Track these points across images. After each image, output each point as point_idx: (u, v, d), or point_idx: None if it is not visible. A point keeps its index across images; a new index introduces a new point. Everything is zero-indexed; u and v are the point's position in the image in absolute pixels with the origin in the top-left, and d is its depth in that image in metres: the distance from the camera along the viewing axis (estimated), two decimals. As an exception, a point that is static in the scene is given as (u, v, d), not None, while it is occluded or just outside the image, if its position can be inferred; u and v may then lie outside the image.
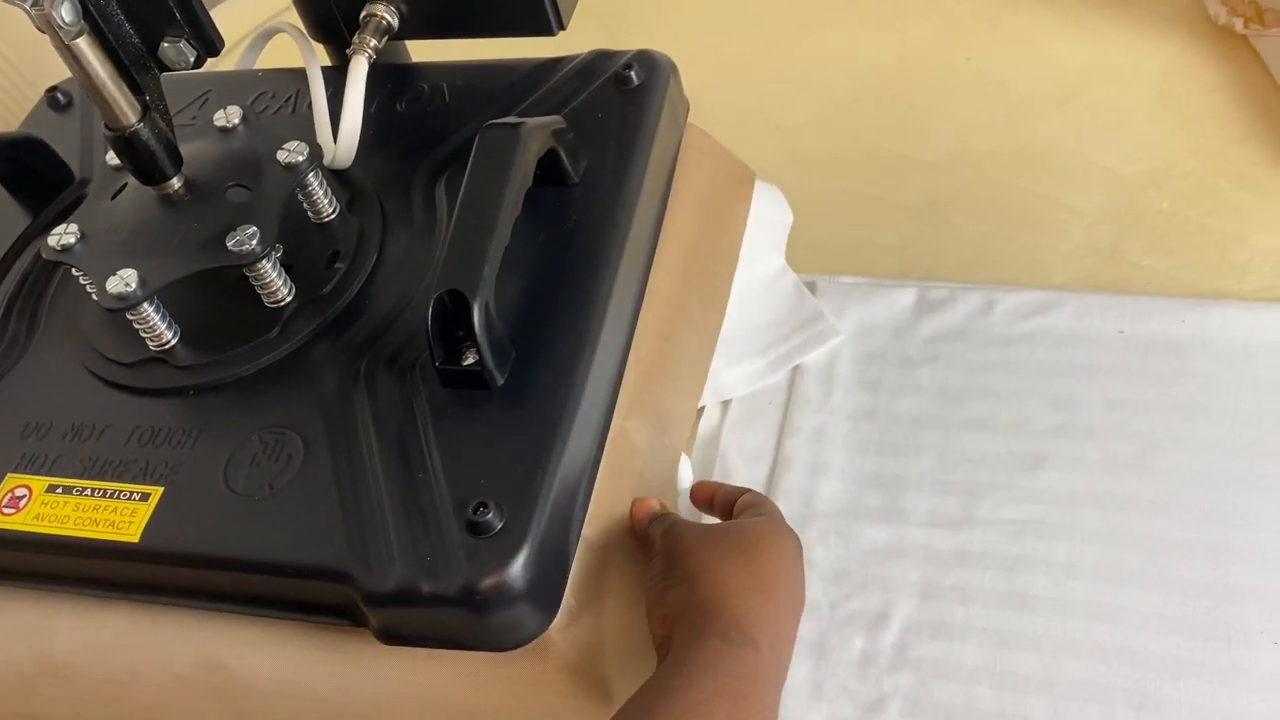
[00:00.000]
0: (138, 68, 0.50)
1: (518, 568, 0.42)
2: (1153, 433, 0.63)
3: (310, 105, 0.61)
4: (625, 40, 0.64)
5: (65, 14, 0.45)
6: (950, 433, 0.65)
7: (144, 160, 0.51)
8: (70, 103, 0.70)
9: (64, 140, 0.66)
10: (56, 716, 0.52)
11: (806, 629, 0.59)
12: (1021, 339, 0.68)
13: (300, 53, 0.63)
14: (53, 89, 0.71)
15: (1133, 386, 0.65)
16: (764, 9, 0.94)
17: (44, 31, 0.46)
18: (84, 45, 0.47)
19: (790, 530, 0.51)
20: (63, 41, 0.46)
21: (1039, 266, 0.73)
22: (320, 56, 0.63)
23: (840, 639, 0.59)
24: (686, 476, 0.61)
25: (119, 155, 0.51)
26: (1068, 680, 0.55)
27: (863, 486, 0.64)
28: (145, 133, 0.50)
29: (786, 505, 0.64)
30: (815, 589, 0.61)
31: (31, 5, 0.44)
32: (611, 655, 0.47)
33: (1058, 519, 0.61)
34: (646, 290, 0.56)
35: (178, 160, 0.52)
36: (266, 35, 0.67)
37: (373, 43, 0.57)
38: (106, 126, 0.50)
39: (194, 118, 0.65)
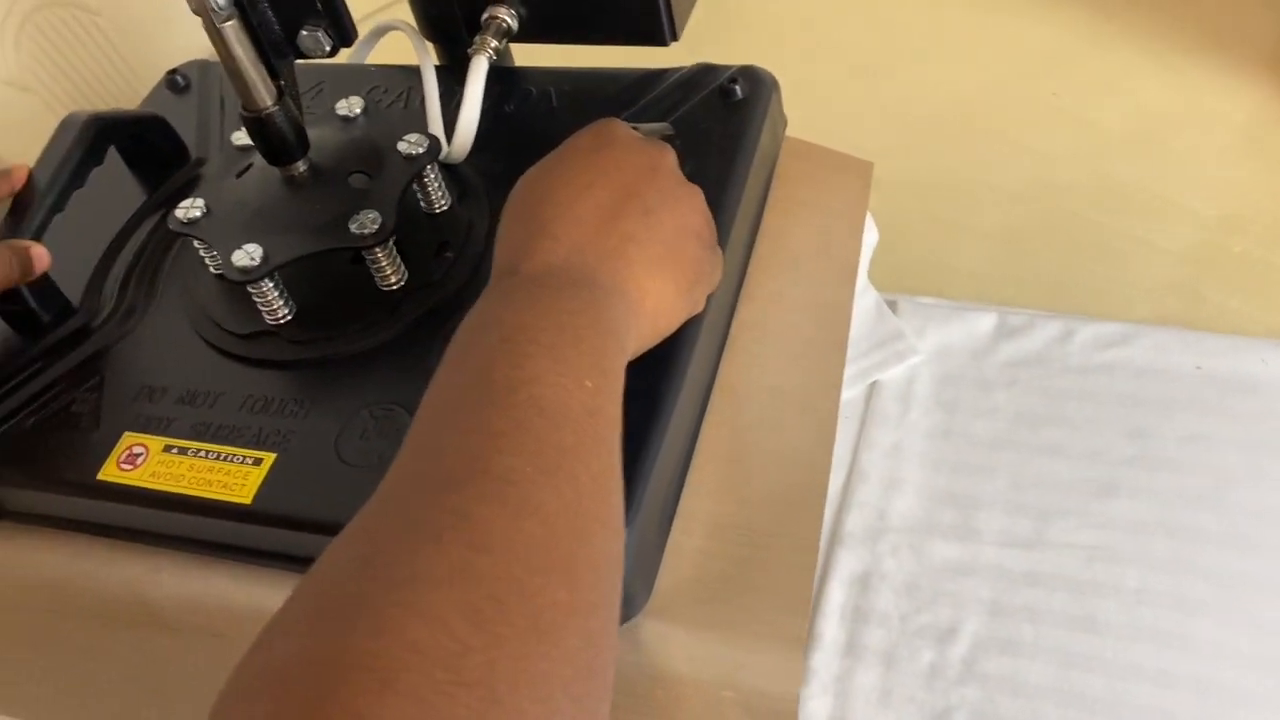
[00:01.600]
0: (276, 53, 0.52)
1: (619, 551, 0.44)
2: (1227, 468, 0.64)
3: (421, 102, 0.64)
4: (713, 59, 0.66)
5: (221, 6, 0.47)
6: (1025, 456, 0.66)
7: (275, 142, 0.53)
8: (188, 85, 0.73)
9: (181, 121, 0.69)
10: (168, 665, 0.54)
11: (876, 638, 0.60)
12: (1099, 369, 0.69)
13: (414, 50, 0.66)
14: (173, 71, 0.74)
15: (1208, 422, 0.66)
16: (850, 36, 0.96)
17: (198, 14, 0.48)
18: (232, 29, 0.49)
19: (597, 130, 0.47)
20: (214, 24, 0.48)
21: (1117, 301, 0.74)
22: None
23: (909, 650, 0.60)
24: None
25: (252, 136, 0.53)
26: (1134, 704, 0.56)
27: (936, 503, 0.65)
28: (279, 116, 0.52)
29: (860, 517, 0.65)
30: (886, 600, 0.62)
31: None
32: (695, 646, 0.48)
33: (1129, 546, 0.62)
34: (743, 288, 0.58)
35: (305, 144, 0.54)
36: (380, 31, 0.69)
37: (493, 44, 0.59)
38: (243, 108, 0.52)
39: (308, 106, 0.68)
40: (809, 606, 0.49)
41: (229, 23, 0.49)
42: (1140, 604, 0.59)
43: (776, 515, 0.52)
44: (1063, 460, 0.65)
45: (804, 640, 0.48)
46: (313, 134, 0.56)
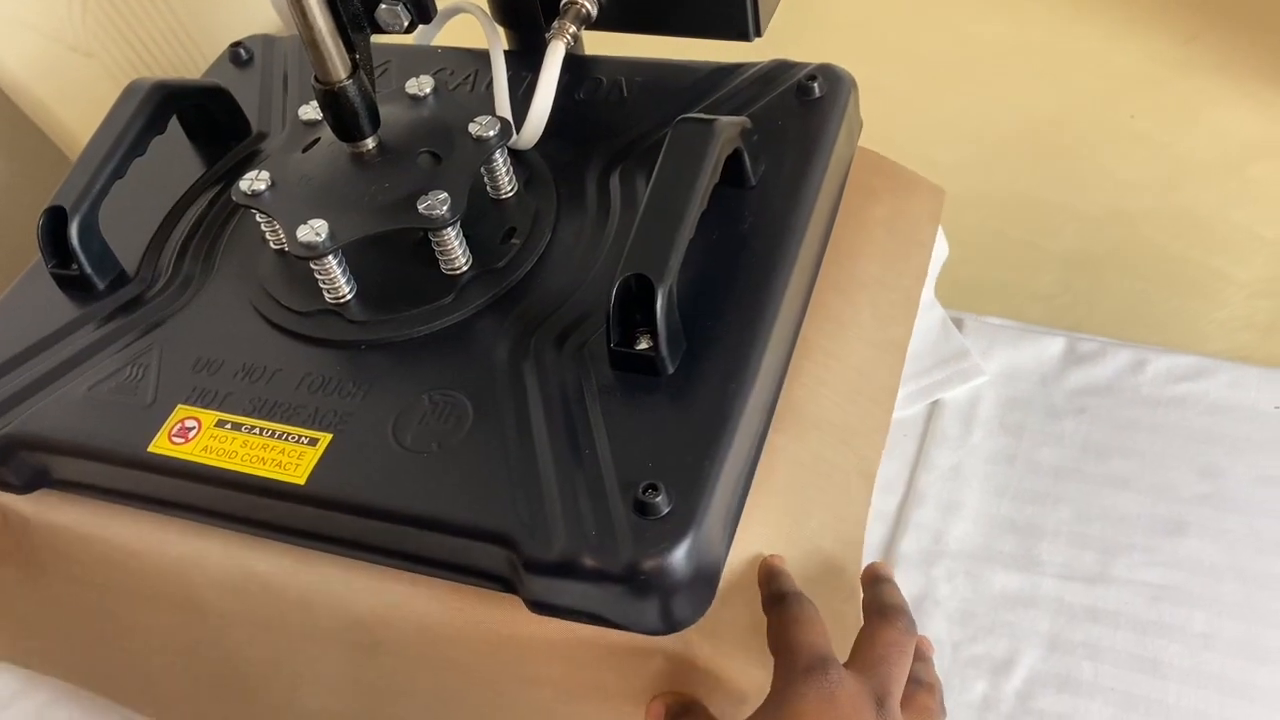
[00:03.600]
0: (354, 26, 0.51)
1: (682, 553, 0.42)
2: (1304, 513, 0.61)
3: (489, 86, 0.63)
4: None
5: None
6: (1091, 487, 0.64)
7: (347, 116, 0.52)
8: (251, 59, 0.72)
9: (244, 94, 0.68)
10: (209, 648, 0.53)
11: (927, 665, 0.58)
12: (1171, 402, 0.67)
13: (484, 34, 0.65)
14: (236, 44, 0.73)
15: (1285, 464, 0.64)
16: (926, 48, 0.94)
17: (280, -21, 0.47)
18: (313, -1, 0.48)
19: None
20: None
21: (1191, 332, 0.72)
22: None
23: (961, 680, 0.58)
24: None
25: (324, 109, 0.52)
26: (1198, 753, 0.54)
27: (996, 530, 0.63)
28: (352, 89, 0.51)
29: (916, 540, 0.63)
30: (939, 627, 0.60)
31: None
32: (750, 672, 0.47)
33: (1197, 588, 0.59)
34: (810, 306, 0.57)
35: (376, 120, 0.53)
36: (449, 13, 0.68)
37: (572, 29, 0.58)
38: (316, 80, 0.51)
39: (377, 85, 0.67)
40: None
41: (311, -9, 0.48)
42: (1207, 649, 0.57)
43: (819, 561, 0.50)
44: (1130, 494, 0.63)
45: None
46: (382, 111, 0.55)
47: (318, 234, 0.50)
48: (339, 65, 0.50)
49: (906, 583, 0.61)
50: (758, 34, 0.58)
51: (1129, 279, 0.75)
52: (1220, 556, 0.60)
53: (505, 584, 0.46)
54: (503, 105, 0.61)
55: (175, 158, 0.66)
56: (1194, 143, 0.82)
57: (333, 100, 0.51)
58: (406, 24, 0.52)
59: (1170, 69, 0.86)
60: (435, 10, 0.53)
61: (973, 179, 0.83)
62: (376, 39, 0.54)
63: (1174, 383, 0.67)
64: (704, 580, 0.45)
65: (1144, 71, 0.87)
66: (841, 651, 0.45)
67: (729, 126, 0.52)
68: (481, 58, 0.66)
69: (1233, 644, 0.57)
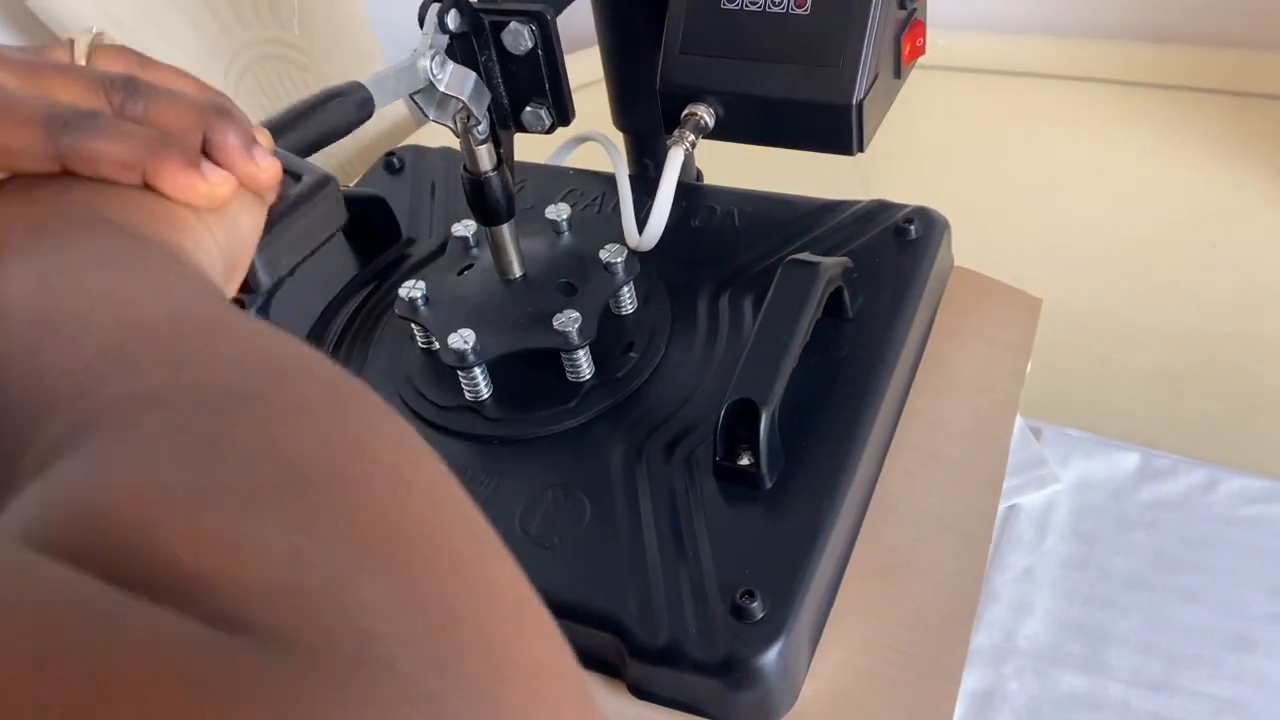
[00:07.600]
0: (501, 125, 0.58)
1: (773, 655, 0.48)
2: (1369, 637, 0.64)
3: (615, 206, 0.70)
4: (880, 184, 0.70)
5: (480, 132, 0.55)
6: (1160, 598, 0.67)
7: (489, 202, 0.58)
8: (403, 168, 0.81)
9: (396, 201, 0.76)
10: None
11: (996, 759, 0.62)
12: (1242, 522, 0.70)
13: (610, 159, 0.72)
14: (390, 154, 0.81)
15: (1353, 588, 0.66)
16: (1016, 167, 0.99)
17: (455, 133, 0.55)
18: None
19: None
20: (467, 139, 0.55)
21: (1266, 456, 0.75)
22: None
23: (1028, 775, 0.62)
24: None
25: (470, 195, 0.58)
26: None
27: (1066, 633, 0.67)
28: (495, 180, 0.58)
29: (987, 636, 0.67)
30: (1008, 723, 0.64)
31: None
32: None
33: (1263, 703, 0.62)
34: (905, 410, 0.62)
35: (512, 208, 0.59)
36: (579, 140, 0.76)
37: (691, 138, 0.63)
38: (465, 169, 0.58)
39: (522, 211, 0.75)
40: None
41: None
42: (1267, 761, 0.60)
43: (924, 638, 0.55)
44: (1199, 608, 0.66)
45: None
46: (527, 244, 0.62)
47: (466, 342, 0.57)
48: (486, 160, 0.58)
49: (977, 677, 0.66)
50: (860, 150, 0.62)
51: (1206, 400, 0.78)
52: (1285, 674, 0.63)
53: (608, 668, 0.52)
54: (629, 227, 0.67)
55: (333, 256, 0.74)
56: (1277, 274, 0.86)
57: (478, 188, 0.58)
58: (548, 125, 0.59)
59: (1255, 202, 0.90)
60: (574, 114, 0.59)
61: (1056, 294, 0.87)
62: (521, 160, 0.62)
63: (1246, 504, 0.71)
64: (791, 678, 0.50)
65: (1228, 202, 0.91)
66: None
67: (833, 267, 0.59)
68: (606, 180, 0.73)
69: (1293, 759, 0.60)
